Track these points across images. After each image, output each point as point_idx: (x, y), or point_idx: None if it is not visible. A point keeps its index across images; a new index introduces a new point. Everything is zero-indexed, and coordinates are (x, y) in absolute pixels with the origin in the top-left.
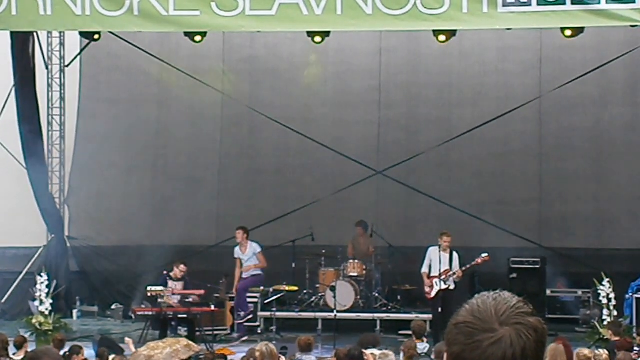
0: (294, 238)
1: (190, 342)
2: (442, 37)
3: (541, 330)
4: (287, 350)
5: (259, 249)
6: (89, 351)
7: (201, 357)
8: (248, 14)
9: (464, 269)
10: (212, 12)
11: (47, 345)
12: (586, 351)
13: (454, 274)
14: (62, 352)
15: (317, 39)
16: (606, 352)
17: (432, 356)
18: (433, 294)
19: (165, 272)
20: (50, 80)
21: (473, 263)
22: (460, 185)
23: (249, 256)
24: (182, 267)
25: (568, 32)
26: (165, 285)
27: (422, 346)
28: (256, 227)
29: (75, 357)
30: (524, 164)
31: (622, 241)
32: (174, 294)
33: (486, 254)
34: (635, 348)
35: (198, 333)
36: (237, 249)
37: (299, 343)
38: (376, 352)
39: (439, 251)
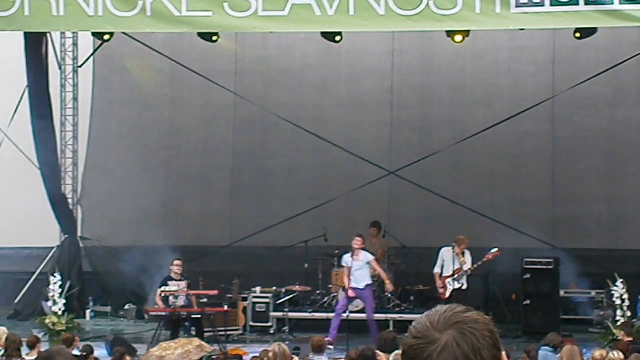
0: (306, 239)
1: (203, 343)
2: (458, 38)
3: (483, 320)
4: (300, 351)
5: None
6: (101, 351)
7: (214, 357)
8: (260, 14)
9: (475, 266)
10: (224, 12)
11: (60, 345)
12: (603, 352)
13: (466, 272)
14: (74, 352)
15: (337, 38)
16: (621, 356)
17: None
18: (447, 294)
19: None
20: (63, 81)
21: (484, 260)
22: (473, 186)
23: (359, 266)
24: (176, 262)
25: (578, 34)
26: (166, 285)
27: None
28: (268, 227)
29: (91, 357)
30: (537, 165)
31: (636, 242)
32: (187, 295)
33: (496, 249)
34: None
35: (211, 333)
36: (347, 256)
37: (312, 344)
38: None
39: (452, 252)
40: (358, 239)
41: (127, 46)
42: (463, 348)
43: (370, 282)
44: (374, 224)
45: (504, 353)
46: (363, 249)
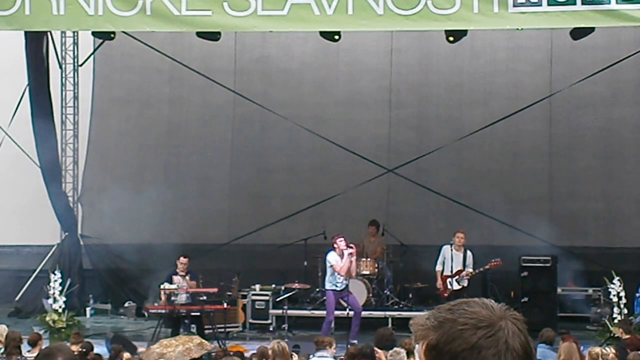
0: (305, 236)
1: (203, 340)
2: (450, 38)
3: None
4: (300, 349)
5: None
6: (101, 348)
7: (213, 354)
8: (260, 14)
9: (475, 272)
10: (224, 12)
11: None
12: (597, 349)
13: (467, 274)
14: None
15: (336, 37)
16: (613, 350)
17: None
18: (447, 293)
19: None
20: (64, 80)
21: (486, 267)
22: (471, 184)
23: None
24: (182, 259)
25: (573, 36)
26: (170, 282)
27: None
28: (267, 225)
29: (91, 354)
30: (535, 163)
31: (633, 239)
32: (187, 292)
33: (498, 259)
34: None
35: (210, 330)
36: (334, 255)
37: (316, 341)
38: None
39: (452, 250)
40: (341, 239)
41: (127, 45)
42: (524, 332)
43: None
44: (373, 222)
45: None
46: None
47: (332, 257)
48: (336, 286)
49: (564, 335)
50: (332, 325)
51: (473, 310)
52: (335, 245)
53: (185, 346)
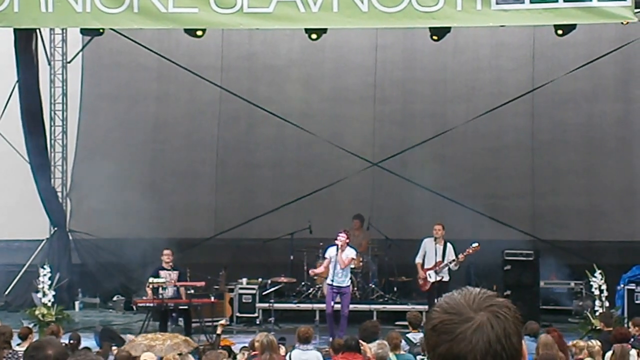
0: (291, 231)
1: (188, 338)
2: (434, 37)
3: (512, 308)
4: (286, 341)
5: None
6: (90, 342)
7: (201, 347)
8: (246, 11)
9: (455, 259)
10: (210, 9)
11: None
12: (582, 343)
13: (446, 265)
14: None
15: (313, 35)
16: (599, 343)
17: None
18: (427, 286)
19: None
20: (52, 76)
21: (465, 253)
22: (454, 179)
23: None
24: (166, 251)
25: (560, 32)
26: (157, 275)
27: (418, 336)
28: (253, 218)
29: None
30: (517, 158)
31: (614, 234)
32: (174, 286)
33: (476, 244)
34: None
35: (198, 324)
36: (332, 249)
37: (298, 334)
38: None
39: (434, 242)
40: (344, 235)
41: (115, 42)
42: (496, 330)
43: (349, 283)
44: (357, 216)
45: (523, 342)
46: (348, 244)
47: (329, 251)
48: (332, 281)
49: (548, 329)
50: (331, 318)
51: (453, 297)
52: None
53: (174, 341)
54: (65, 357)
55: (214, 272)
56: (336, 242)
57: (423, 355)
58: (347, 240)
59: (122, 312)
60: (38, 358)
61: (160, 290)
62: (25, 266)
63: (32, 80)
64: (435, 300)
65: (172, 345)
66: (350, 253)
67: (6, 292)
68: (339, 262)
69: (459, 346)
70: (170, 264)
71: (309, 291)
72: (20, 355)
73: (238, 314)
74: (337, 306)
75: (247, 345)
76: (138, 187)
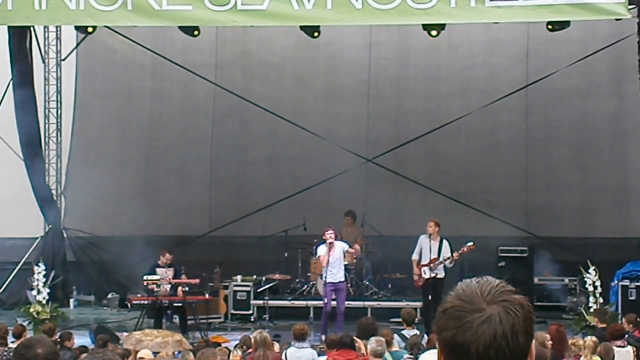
0: (285, 228)
1: (183, 339)
2: (433, 32)
3: (527, 306)
4: (281, 338)
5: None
6: (85, 339)
7: (195, 344)
8: (240, 8)
9: (450, 257)
10: (204, 6)
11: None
12: (581, 341)
13: (441, 262)
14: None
15: (315, 34)
16: (594, 339)
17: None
18: (421, 282)
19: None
20: (47, 74)
21: (459, 252)
22: (449, 176)
23: (334, 259)
24: (167, 255)
25: (550, 27)
26: (154, 273)
27: (412, 333)
28: (247, 215)
29: (67, 343)
30: (511, 155)
31: (608, 230)
32: (169, 283)
33: (471, 243)
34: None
35: (192, 321)
36: (323, 247)
37: (294, 331)
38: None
39: (429, 239)
40: (331, 231)
41: (109, 40)
42: (504, 326)
43: (344, 278)
44: (348, 213)
45: (533, 342)
46: (337, 238)
47: (319, 250)
48: (327, 277)
49: (552, 324)
50: (327, 315)
51: (471, 285)
52: (324, 238)
53: (164, 339)
54: (55, 357)
55: (209, 269)
56: (324, 237)
57: (410, 354)
58: (335, 235)
59: (117, 309)
60: (27, 357)
61: (156, 288)
62: (20, 264)
63: (27, 78)
64: (429, 297)
65: (160, 343)
66: (343, 246)
67: (1, 290)
68: (346, 256)
69: (464, 334)
70: (167, 263)
71: (304, 288)
72: None
73: (233, 311)
74: (333, 303)
75: (239, 342)
76: (132, 184)
